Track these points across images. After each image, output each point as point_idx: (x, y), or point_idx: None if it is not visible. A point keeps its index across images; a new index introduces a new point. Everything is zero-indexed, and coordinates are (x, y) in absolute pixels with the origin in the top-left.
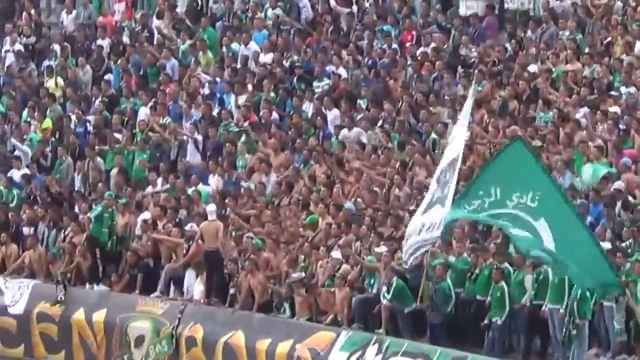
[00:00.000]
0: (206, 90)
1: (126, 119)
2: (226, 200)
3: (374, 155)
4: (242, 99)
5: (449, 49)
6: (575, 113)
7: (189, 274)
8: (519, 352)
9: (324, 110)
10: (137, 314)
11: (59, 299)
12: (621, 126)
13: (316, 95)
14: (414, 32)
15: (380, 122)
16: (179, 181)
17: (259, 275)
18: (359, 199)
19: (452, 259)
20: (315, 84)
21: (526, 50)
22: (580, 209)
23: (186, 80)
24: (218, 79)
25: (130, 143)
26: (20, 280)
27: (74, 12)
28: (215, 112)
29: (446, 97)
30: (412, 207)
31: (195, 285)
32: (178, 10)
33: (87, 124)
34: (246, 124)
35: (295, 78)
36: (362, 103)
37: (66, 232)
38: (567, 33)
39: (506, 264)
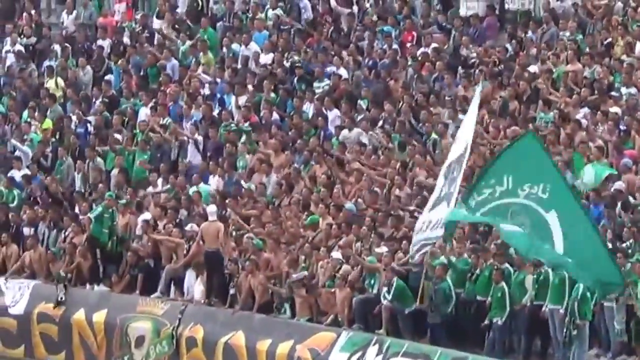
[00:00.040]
0: (206, 91)
1: (126, 119)
2: (226, 201)
3: (374, 155)
4: (242, 100)
5: (450, 49)
6: (575, 113)
7: (190, 275)
8: (519, 353)
9: (324, 111)
10: (138, 315)
11: (59, 298)
12: (622, 127)
13: (316, 96)
14: (414, 33)
15: (380, 123)
16: (180, 179)
17: (259, 276)
18: (359, 200)
19: (452, 259)
20: (315, 84)
21: (527, 50)
22: None
23: (186, 81)
24: (218, 80)
25: (130, 144)
26: (21, 281)
27: (75, 12)
28: (215, 112)
29: (447, 98)
30: (412, 207)
31: (195, 285)
32: (178, 10)
33: (88, 125)
34: (247, 124)
35: (295, 78)
36: (362, 103)
37: (66, 233)
38: (567, 34)
39: (506, 265)
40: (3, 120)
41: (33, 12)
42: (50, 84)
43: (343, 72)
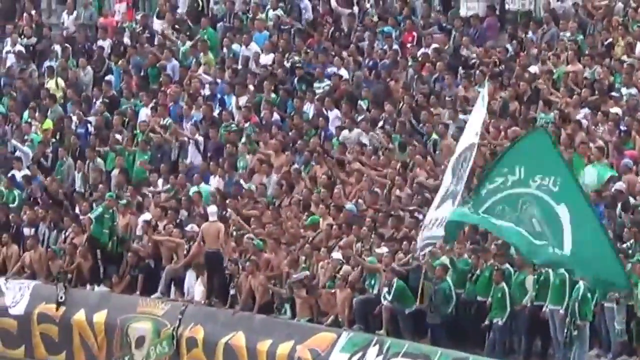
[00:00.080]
0: (207, 91)
1: (127, 120)
2: (227, 201)
3: (375, 156)
4: (242, 100)
5: (450, 50)
6: (576, 114)
7: (190, 275)
8: (519, 353)
9: (324, 111)
10: (138, 315)
11: (59, 298)
12: (622, 127)
13: (317, 96)
14: (414, 33)
15: (381, 123)
16: (180, 177)
17: (259, 276)
18: (359, 200)
19: (453, 259)
20: (316, 84)
21: (527, 51)
22: None
23: (187, 81)
24: (219, 80)
25: (131, 144)
26: (21, 281)
27: (75, 12)
28: (215, 113)
29: (447, 98)
30: (412, 208)
31: (195, 286)
32: (179, 11)
33: (88, 125)
34: (247, 124)
35: (296, 79)
36: (363, 104)
37: (67, 233)
38: (568, 34)
39: (507, 265)
40: (3, 121)
41: (33, 12)
42: (50, 84)
43: (343, 72)
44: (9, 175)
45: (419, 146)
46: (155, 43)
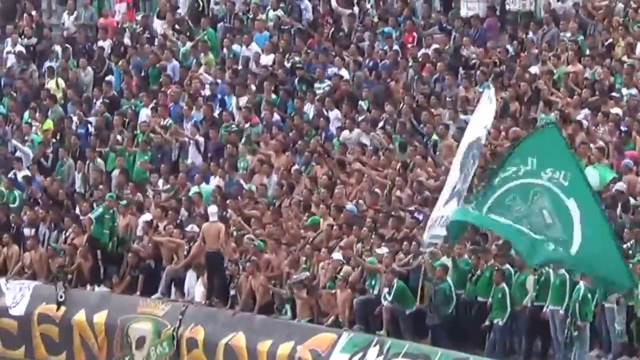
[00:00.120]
0: (207, 92)
1: (127, 120)
2: (227, 202)
3: (375, 156)
4: (243, 101)
5: (450, 50)
6: (576, 114)
7: (190, 276)
8: (520, 354)
9: (325, 112)
10: (138, 316)
11: (59, 297)
12: (622, 128)
13: (317, 97)
14: (415, 34)
15: (381, 124)
16: (181, 176)
17: (260, 277)
18: (360, 201)
19: (449, 260)
20: (316, 85)
21: (527, 51)
22: None
23: (187, 82)
24: (219, 81)
25: (131, 145)
26: (21, 282)
27: (75, 13)
28: (216, 113)
29: (447, 99)
30: (412, 208)
31: (196, 286)
32: (179, 11)
33: (89, 126)
34: (247, 125)
35: (296, 79)
36: (363, 104)
37: (67, 234)
38: (568, 34)
39: (507, 266)
40: (4, 121)
41: (34, 12)
42: (51, 84)
43: (344, 73)
44: (10, 175)
45: (419, 146)
46: (156, 43)
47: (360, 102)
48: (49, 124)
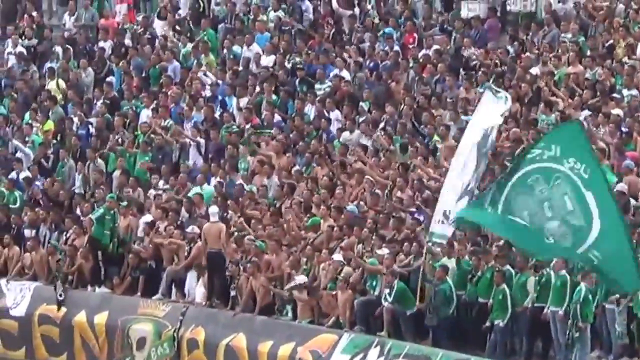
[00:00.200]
0: (208, 93)
1: (128, 121)
2: (228, 202)
3: (375, 157)
4: (243, 102)
5: (451, 51)
6: (577, 115)
7: (191, 277)
8: (521, 355)
9: (325, 113)
10: (139, 317)
11: (58, 296)
12: (623, 129)
13: (318, 98)
14: (415, 35)
15: (382, 125)
16: (182, 176)
17: (261, 278)
18: (361, 202)
19: (452, 261)
20: (317, 86)
21: (528, 52)
22: None
23: (188, 83)
24: (220, 81)
25: (132, 145)
26: (22, 283)
27: (76, 14)
28: (217, 114)
29: (448, 100)
30: (413, 209)
31: (196, 287)
32: (180, 12)
33: (89, 126)
34: (248, 126)
35: (297, 80)
36: (364, 105)
37: (68, 235)
38: (569, 35)
39: (508, 267)
40: (4, 122)
41: (34, 13)
42: (51, 85)
43: (345, 74)
44: (10, 176)
45: (420, 147)
46: (157, 44)
47: (361, 103)
48: (49, 124)
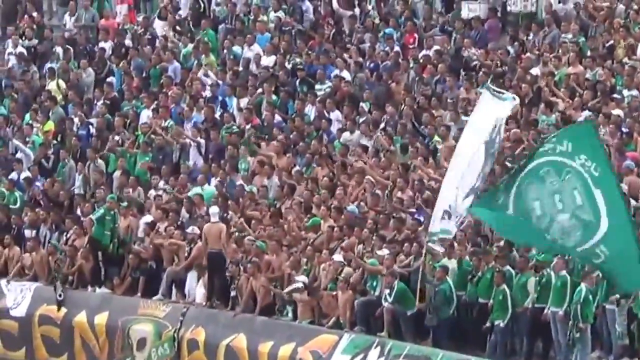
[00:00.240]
0: (208, 93)
1: (128, 121)
2: (229, 203)
3: (376, 158)
4: (244, 102)
5: (451, 51)
6: (577, 116)
7: (191, 277)
8: (521, 355)
9: (326, 113)
10: (139, 317)
11: (58, 296)
12: (623, 129)
13: (318, 98)
14: (416, 35)
15: (382, 125)
16: (182, 177)
17: (261, 278)
18: (361, 202)
19: (453, 262)
20: (317, 86)
21: (529, 53)
22: None
23: (188, 83)
24: (220, 82)
25: (132, 146)
26: (23, 283)
27: (76, 14)
28: (217, 115)
29: (449, 100)
30: (413, 209)
31: (197, 288)
32: (181, 12)
33: (90, 127)
34: (248, 126)
35: (297, 81)
36: (364, 106)
37: (68, 235)
38: (569, 36)
39: (508, 267)
40: (5, 123)
41: (35, 14)
42: (51, 86)
43: (345, 74)
44: (10, 176)
45: (421, 148)
46: (157, 45)
47: (361, 104)
48: (50, 125)
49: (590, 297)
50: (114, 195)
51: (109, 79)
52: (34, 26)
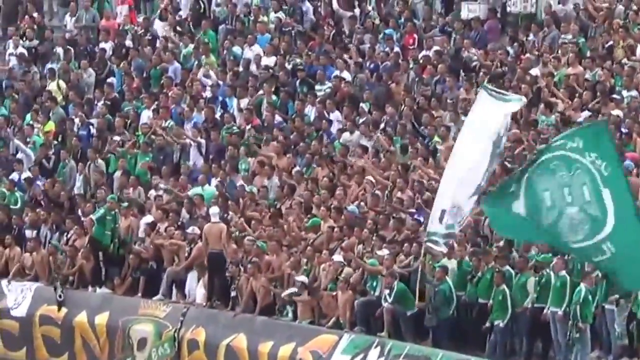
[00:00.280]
0: (208, 94)
1: (129, 122)
2: (229, 203)
3: (376, 158)
4: (244, 102)
5: (451, 52)
6: (577, 117)
7: (191, 277)
8: (520, 355)
9: (326, 114)
10: (140, 317)
11: (58, 296)
12: (623, 130)
13: (318, 99)
14: (415, 36)
15: (382, 126)
16: (182, 179)
17: (261, 278)
18: (361, 203)
19: (453, 262)
20: (317, 87)
21: (528, 53)
22: None
23: (189, 84)
24: (220, 82)
25: (133, 146)
26: (23, 283)
27: (77, 15)
28: (217, 115)
29: (448, 101)
30: (413, 210)
31: (197, 288)
32: (181, 13)
33: (90, 127)
34: (249, 127)
35: (297, 81)
36: (364, 106)
37: (69, 235)
38: (569, 36)
39: (508, 267)
40: (5, 123)
41: (35, 14)
42: (52, 86)
43: (345, 74)
44: (11, 177)
45: (421, 148)
46: (157, 45)
47: (361, 104)
48: (50, 125)
49: (590, 297)
50: (114, 196)
51: (109, 80)
52: (35, 27)
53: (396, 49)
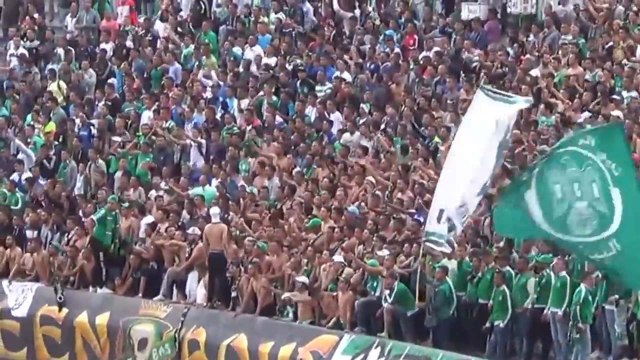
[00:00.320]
0: (209, 94)
1: (130, 122)
2: (229, 203)
3: (376, 159)
4: (244, 103)
5: (451, 53)
6: (577, 117)
7: (192, 278)
8: (521, 356)
9: (326, 114)
10: (140, 317)
11: (58, 298)
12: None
13: (319, 99)
14: (416, 36)
15: (382, 126)
16: (183, 180)
17: (262, 279)
18: (362, 203)
19: (453, 262)
20: (317, 87)
21: (528, 54)
22: None
23: (189, 84)
24: (221, 83)
25: (133, 147)
26: (24, 283)
27: (78, 15)
28: (218, 116)
29: (449, 101)
30: (413, 210)
31: (197, 288)
32: (182, 14)
33: (91, 128)
34: (249, 127)
35: (298, 82)
36: (364, 107)
37: (69, 236)
38: (569, 37)
39: (508, 268)
40: (6, 124)
41: (36, 15)
42: (53, 87)
43: (346, 75)
44: (12, 177)
45: (421, 149)
46: (158, 46)
47: (361, 105)
48: (51, 126)
49: (590, 297)
50: (115, 196)
51: (110, 80)
52: (36, 27)
53: (396, 49)
